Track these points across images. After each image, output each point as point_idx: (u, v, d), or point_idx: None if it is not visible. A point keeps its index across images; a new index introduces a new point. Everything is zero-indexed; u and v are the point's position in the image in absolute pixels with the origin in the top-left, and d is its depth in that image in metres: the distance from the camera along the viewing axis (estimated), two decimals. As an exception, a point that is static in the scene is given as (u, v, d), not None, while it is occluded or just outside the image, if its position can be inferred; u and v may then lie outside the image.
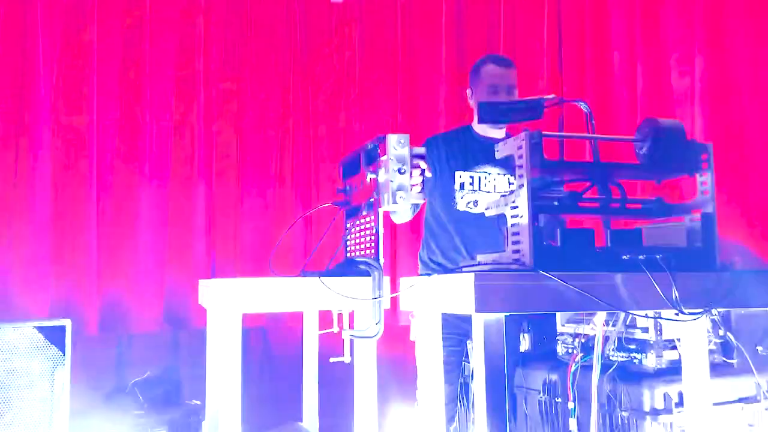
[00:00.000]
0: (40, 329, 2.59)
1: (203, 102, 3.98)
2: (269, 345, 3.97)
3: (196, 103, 3.96)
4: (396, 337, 3.84)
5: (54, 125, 3.53)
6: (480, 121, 2.62)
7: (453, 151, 2.59)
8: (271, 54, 4.20)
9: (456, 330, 2.54)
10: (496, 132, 2.63)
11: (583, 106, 2.08)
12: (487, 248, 2.50)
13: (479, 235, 2.51)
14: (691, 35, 3.41)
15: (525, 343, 2.62)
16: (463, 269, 1.67)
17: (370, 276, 1.75)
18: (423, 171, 1.86)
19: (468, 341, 2.58)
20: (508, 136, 2.63)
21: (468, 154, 2.42)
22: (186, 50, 3.95)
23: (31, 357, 2.58)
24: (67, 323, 2.64)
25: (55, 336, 2.62)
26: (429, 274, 2.60)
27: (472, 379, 2.57)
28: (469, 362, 2.60)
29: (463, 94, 4.27)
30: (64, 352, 2.61)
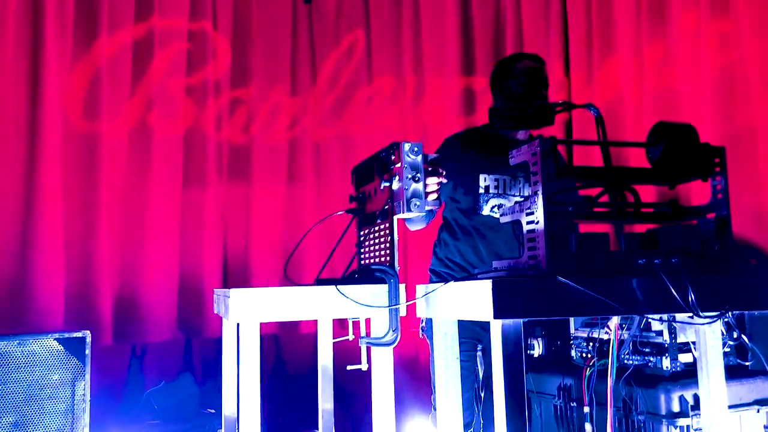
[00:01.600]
0: (60, 340, 2.61)
1: (213, 108, 4.01)
2: (281, 352, 3.99)
3: (206, 109, 3.98)
4: (408, 338, 3.85)
5: (65, 132, 3.56)
6: (491, 127, 2.61)
7: (476, 150, 2.56)
8: (279, 59, 4.24)
9: (471, 334, 2.54)
10: (520, 132, 2.60)
11: (593, 111, 2.09)
12: (511, 253, 2.50)
13: (502, 240, 2.51)
14: (699, 35, 3.41)
15: (539, 348, 2.62)
16: (479, 276, 1.68)
17: (386, 283, 1.76)
18: (440, 174, 1.86)
19: (478, 346, 2.59)
20: (530, 136, 2.62)
21: (492, 155, 2.38)
22: (195, 57, 3.99)
23: (52, 368, 2.60)
24: (86, 334, 2.66)
25: (74, 347, 2.64)
26: (445, 273, 2.62)
27: (481, 385, 2.57)
28: (477, 368, 2.60)
29: (471, 96, 4.34)
30: (84, 363, 2.64)
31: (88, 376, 2.64)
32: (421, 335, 2.62)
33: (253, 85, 4.17)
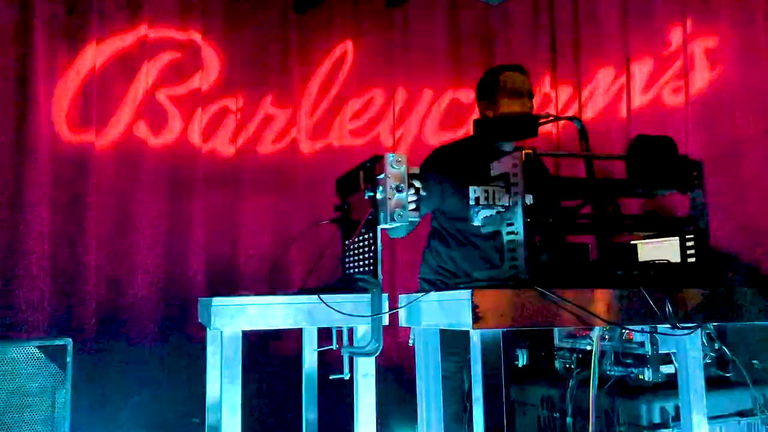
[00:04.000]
0: (42, 348, 2.60)
1: (201, 118, 4.02)
2: (265, 360, 3.96)
3: (194, 119, 3.99)
4: (394, 349, 3.84)
5: (53, 143, 3.57)
6: (478, 138, 2.63)
7: (463, 162, 2.57)
8: (268, 70, 4.24)
9: (465, 343, 2.53)
10: (506, 143, 2.60)
11: (576, 123, 2.11)
12: (503, 261, 2.50)
13: (493, 249, 2.51)
14: (686, 51, 3.46)
15: (522, 359, 2.63)
16: (460, 285, 1.69)
17: (368, 293, 1.77)
18: (417, 190, 1.87)
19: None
20: (517, 147, 2.63)
21: (479, 166, 2.38)
22: (184, 67, 4.00)
23: (33, 376, 2.58)
24: (68, 342, 2.64)
25: (56, 354, 2.63)
26: (438, 281, 2.62)
27: (467, 397, 2.57)
28: (464, 379, 2.60)
29: (459, 107, 4.37)
30: (65, 371, 2.62)
31: (69, 385, 2.62)
32: (410, 343, 2.61)
33: (241, 96, 4.18)
